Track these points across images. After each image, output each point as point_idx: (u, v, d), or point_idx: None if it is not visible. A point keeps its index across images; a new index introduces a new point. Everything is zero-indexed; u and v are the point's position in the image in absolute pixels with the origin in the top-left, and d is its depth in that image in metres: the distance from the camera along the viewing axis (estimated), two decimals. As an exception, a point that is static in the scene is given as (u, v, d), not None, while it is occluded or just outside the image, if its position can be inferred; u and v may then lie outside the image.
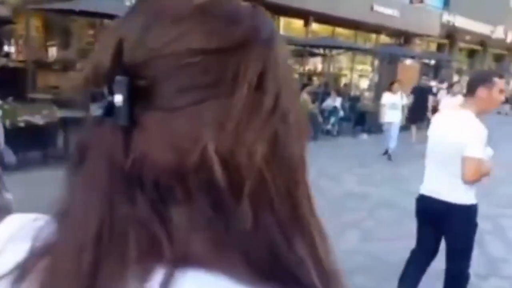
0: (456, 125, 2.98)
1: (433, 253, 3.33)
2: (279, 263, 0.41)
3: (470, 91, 3.00)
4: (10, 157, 3.77)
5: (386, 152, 9.28)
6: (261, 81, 0.42)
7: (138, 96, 0.39)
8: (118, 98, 0.39)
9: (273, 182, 0.42)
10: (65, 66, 11.23)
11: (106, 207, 0.39)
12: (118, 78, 0.39)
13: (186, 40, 0.40)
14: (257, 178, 0.41)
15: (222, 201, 0.40)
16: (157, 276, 0.38)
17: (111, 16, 8.56)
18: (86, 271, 0.38)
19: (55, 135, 6.71)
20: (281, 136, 0.43)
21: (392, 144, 9.26)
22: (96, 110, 0.41)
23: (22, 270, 0.41)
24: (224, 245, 0.40)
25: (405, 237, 4.92)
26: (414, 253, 3.42)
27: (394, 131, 9.27)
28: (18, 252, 0.43)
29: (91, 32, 11.84)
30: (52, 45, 12.06)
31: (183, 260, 0.39)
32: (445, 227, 3.15)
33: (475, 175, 2.92)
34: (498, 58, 24.55)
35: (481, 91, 2.96)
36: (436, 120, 3.29)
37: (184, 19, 0.41)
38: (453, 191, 3.01)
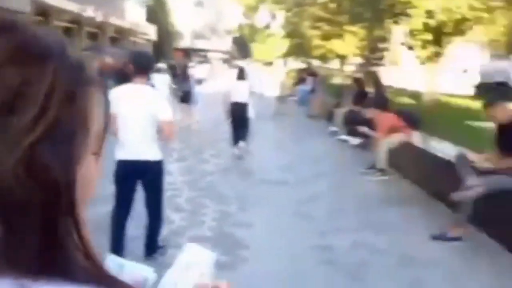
0: (146, 96, 3.69)
1: (130, 209, 3.88)
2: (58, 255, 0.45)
3: (146, 70, 3.80)
4: None
5: None
6: (15, 102, 0.43)
7: None
8: None
9: (30, 201, 0.43)
10: None
11: None
12: None
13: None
14: (12, 193, 0.42)
15: None
16: None
17: None
18: None
19: None
20: (40, 154, 0.43)
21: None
22: None
23: None
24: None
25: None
26: (116, 213, 3.83)
27: None
28: None
29: None
30: None
31: None
32: (146, 182, 3.81)
33: (174, 133, 3.86)
34: (92, 36, 25.75)
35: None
36: (119, 94, 3.66)
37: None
38: (152, 150, 3.72)
